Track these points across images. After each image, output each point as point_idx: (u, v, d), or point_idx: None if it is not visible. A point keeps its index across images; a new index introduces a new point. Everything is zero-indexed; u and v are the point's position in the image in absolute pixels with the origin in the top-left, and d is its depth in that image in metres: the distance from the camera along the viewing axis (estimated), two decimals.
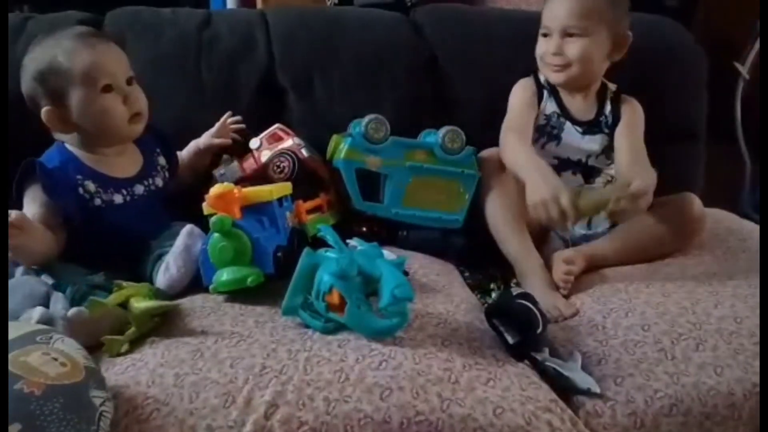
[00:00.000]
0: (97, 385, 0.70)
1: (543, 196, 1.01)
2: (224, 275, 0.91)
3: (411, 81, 1.32)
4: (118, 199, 1.01)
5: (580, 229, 1.20)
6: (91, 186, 1.00)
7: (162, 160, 1.11)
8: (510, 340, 0.87)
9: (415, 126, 1.26)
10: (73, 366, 0.69)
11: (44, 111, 0.99)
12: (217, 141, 1.17)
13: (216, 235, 0.91)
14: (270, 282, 0.92)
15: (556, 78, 1.19)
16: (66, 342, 0.73)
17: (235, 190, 0.94)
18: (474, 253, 1.17)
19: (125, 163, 1.05)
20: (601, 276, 1.09)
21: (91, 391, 0.69)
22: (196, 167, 1.17)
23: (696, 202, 1.15)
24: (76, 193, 0.98)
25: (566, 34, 1.15)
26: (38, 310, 0.82)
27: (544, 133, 1.21)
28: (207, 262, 0.93)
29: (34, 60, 1.00)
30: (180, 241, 0.96)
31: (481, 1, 2.11)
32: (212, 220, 0.90)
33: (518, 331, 0.87)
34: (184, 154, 1.17)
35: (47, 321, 0.81)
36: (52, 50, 0.99)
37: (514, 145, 1.16)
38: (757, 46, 1.94)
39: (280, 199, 1.01)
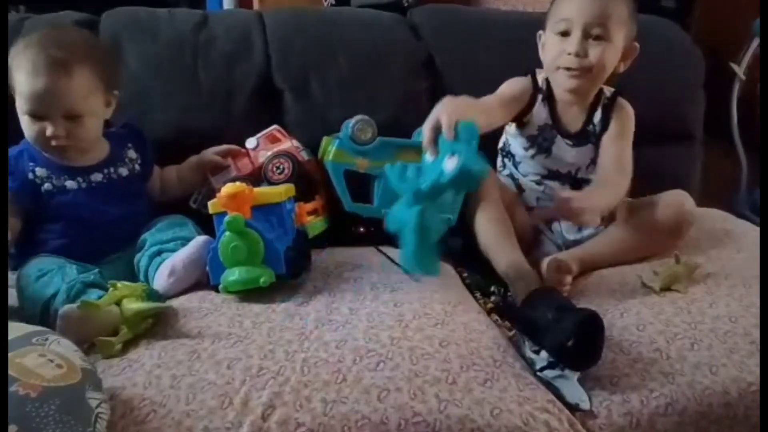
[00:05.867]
0: (93, 387, 0.70)
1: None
2: (236, 275, 0.91)
3: (408, 82, 1.32)
4: (70, 184, 1.03)
5: (568, 235, 1.19)
6: (41, 172, 1.02)
7: (132, 153, 1.10)
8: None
9: (412, 127, 1.25)
10: (70, 368, 0.69)
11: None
12: (213, 158, 1.16)
13: (228, 234, 0.91)
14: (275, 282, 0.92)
15: (569, 84, 1.12)
16: (62, 343, 0.73)
17: (246, 191, 0.94)
18: (473, 254, 1.17)
19: (88, 151, 1.06)
20: (595, 277, 1.09)
21: (88, 393, 0.69)
22: (187, 182, 1.17)
23: (686, 198, 1.14)
24: (26, 179, 1.01)
25: (588, 35, 1.07)
26: None
27: (535, 145, 1.19)
28: (216, 261, 0.92)
29: (14, 49, 1.00)
30: (193, 250, 0.96)
31: (478, 2, 2.11)
32: (227, 219, 0.90)
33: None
34: (181, 167, 1.17)
35: None
36: (22, 59, 0.98)
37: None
38: (753, 46, 1.95)
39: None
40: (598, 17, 1.07)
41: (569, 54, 1.09)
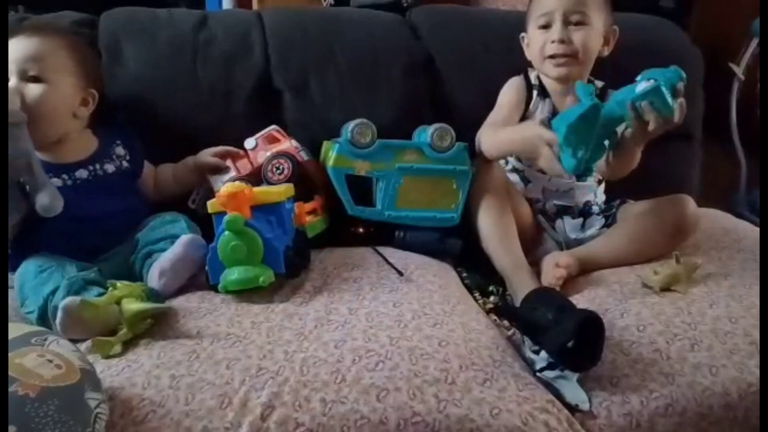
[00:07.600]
0: (92, 387, 0.70)
1: (537, 146, 1.02)
2: (235, 274, 0.91)
3: (407, 82, 1.32)
4: (55, 182, 1.01)
5: (571, 234, 1.20)
6: None
7: (120, 150, 1.10)
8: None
9: (412, 127, 1.26)
10: (68, 368, 0.69)
11: None
12: (212, 160, 1.16)
13: (227, 233, 0.91)
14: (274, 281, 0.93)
15: (557, 72, 1.16)
16: (61, 344, 0.73)
17: (246, 190, 0.94)
18: (472, 254, 1.17)
19: (72, 148, 1.05)
20: (595, 277, 1.08)
21: (87, 393, 0.69)
22: (183, 182, 1.17)
23: (690, 203, 1.14)
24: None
25: (568, 22, 1.14)
26: None
27: None
28: (215, 261, 0.93)
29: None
30: (178, 249, 0.96)
31: (477, 2, 2.12)
32: (226, 218, 0.90)
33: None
34: (177, 166, 1.17)
35: None
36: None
37: (489, 136, 1.17)
38: (752, 46, 1.95)
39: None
40: (575, 5, 1.14)
41: (553, 42, 1.15)
